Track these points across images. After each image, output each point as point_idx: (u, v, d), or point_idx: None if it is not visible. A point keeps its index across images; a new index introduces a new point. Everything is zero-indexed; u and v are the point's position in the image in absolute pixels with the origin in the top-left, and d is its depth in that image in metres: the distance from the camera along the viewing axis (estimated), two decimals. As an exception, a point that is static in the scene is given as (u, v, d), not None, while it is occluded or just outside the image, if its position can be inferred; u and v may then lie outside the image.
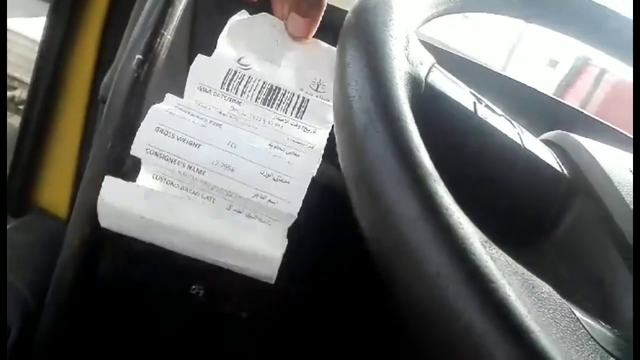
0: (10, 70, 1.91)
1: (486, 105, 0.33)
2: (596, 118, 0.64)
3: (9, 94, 1.90)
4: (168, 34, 0.37)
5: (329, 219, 0.45)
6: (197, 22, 0.59)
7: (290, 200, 0.27)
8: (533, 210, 0.33)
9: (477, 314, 0.18)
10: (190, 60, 0.31)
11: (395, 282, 0.21)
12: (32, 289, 0.49)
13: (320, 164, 0.29)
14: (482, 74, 0.62)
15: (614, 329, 0.25)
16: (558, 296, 0.23)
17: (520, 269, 0.22)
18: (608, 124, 0.63)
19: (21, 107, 1.86)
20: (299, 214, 0.27)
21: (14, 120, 1.80)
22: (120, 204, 0.27)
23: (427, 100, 0.28)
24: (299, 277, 0.50)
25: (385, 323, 0.53)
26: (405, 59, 0.27)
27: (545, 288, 0.22)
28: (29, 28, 1.91)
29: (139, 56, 0.36)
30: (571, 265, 0.31)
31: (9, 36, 1.89)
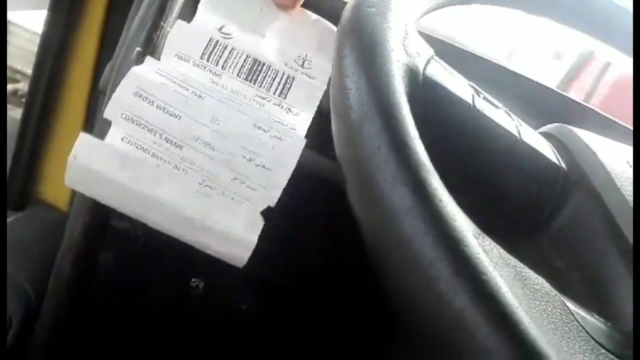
0: (13, 62, 1.91)
1: (484, 98, 0.33)
2: (599, 111, 0.64)
3: (11, 87, 1.90)
4: (168, 27, 0.37)
5: (328, 212, 0.45)
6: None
7: (269, 188, 0.25)
8: (529, 203, 0.33)
9: (468, 305, 0.18)
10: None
11: (388, 271, 0.21)
12: (32, 281, 0.49)
13: (315, 155, 0.28)
14: (485, 67, 0.62)
15: (608, 322, 0.25)
16: (551, 288, 0.23)
17: (513, 261, 0.22)
18: (611, 117, 0.63)
19: (25, 100, 1.87)
20: (298, 205, 0.27)
21: (17, 114, 1.80)
22: (93, 164, 0.24)
23: (424, 92, 0.28)
24: (296, 270, 0.51)
25: (383, 316, 0.53)
26: (404, 50, 0.27)
27: (538, 280, 0.23)
28: (31, 21, 1.91)
29: (138, 49, 0.36)
30: (567, 258, 0.31)
31: (12, 29, 1.89)
